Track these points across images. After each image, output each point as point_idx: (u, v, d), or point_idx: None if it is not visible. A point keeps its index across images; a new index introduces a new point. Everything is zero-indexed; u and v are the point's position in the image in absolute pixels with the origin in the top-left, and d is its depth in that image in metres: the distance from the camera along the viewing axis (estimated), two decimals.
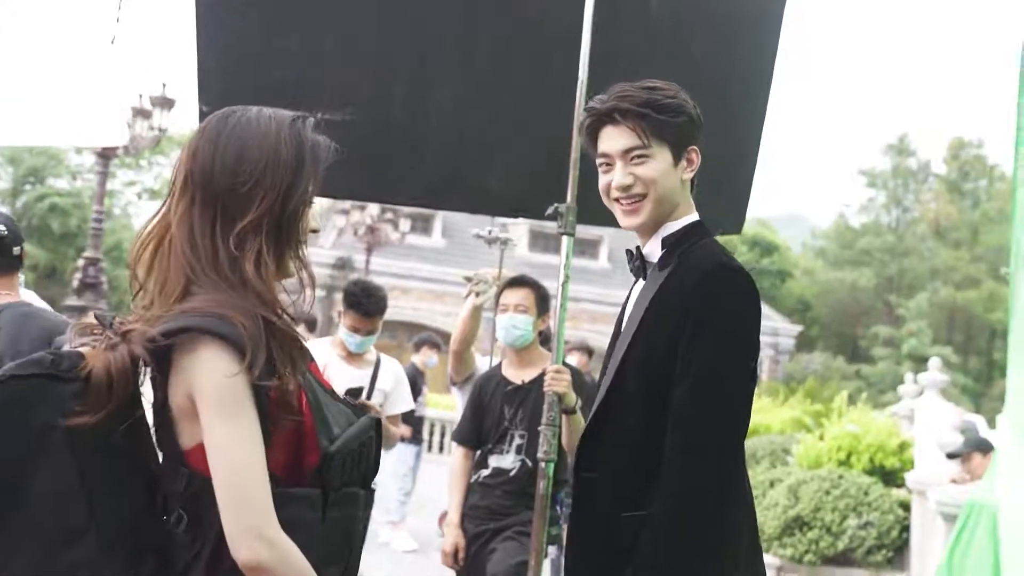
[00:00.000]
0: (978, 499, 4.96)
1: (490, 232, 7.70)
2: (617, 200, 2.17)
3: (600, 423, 2.16)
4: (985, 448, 6.02)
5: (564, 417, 2.99)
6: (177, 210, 1.59)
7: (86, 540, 1.46)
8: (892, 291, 42.07)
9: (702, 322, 2.00)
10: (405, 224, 20.81)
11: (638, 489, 2.04)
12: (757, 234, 39.44)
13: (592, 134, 2.20)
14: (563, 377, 2.90)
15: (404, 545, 8.68)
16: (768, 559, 7.18)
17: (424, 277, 27.81)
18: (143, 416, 1.57)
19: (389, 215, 19.66)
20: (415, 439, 9.18)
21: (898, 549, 7.27)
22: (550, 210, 2.88)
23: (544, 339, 4.18)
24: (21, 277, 3.15)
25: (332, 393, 1.70)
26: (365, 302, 4.20)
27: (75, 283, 12.04)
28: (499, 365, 4.18)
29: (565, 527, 3.34)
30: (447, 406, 15.55)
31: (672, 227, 2.17)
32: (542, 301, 4.00)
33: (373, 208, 18.89)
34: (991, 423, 8.94)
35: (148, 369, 1.54)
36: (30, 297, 3.10)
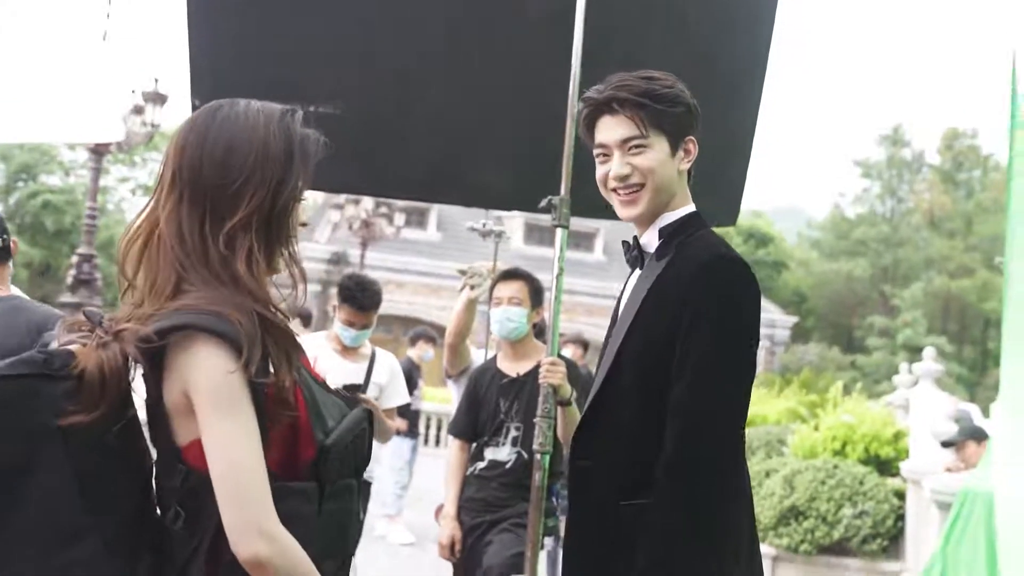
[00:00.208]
0: (972, 487, 4.98)
1: (484, 225, 7.66)
2: (615, 190, 2.16)
3: (596, 413, 2.16)
4: (979, 436, 6.04)
5: (559, 409, 2.99)
6: (165, 206, 1.58)
7: (84, 539, 1.46)
8: (887, 281, 42.14)
9: (700, 313, 2.00)
10: (400, 218, 20.79)
11: (635, 479, 2.04)
12: (752, 226, 39.46)
13: (589, 124, 2.20)
14: (558, 369, 2.90)
15: (401, 538, 8.69)
16: (764, 549, 7.20)
17: (419, 271, 27.79)
18: (135, 415, 1.57)
19: (384, 209, 19.65)
20: (411, 433, 9.19)
21: (893, 538, 7.29)
22: (544, 203, 2.88)
23: (539, 331, 4.18)
24: (11, 268, 3.14)
25: (324, 385, 1.70)
26: (360, 296, 4.20)
27: (69, 280, 12.01)
28: (494, 358, 4.18)
29: (561, 519, 3.35)
30: (443, 399, 15.54)
31: (669, 217, 2.17)
32: (536, 293, 4.00)
33: (368, 202, 18.87)
34: (985, 412, 8.97)
35: (139, 367, 1.53)
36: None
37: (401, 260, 27.24)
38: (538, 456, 2.84)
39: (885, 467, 7.99)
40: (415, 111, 3.62)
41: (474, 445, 4.01)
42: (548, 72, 3.08)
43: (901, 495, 7.37)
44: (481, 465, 3.94)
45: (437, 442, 15.69)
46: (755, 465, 8.35)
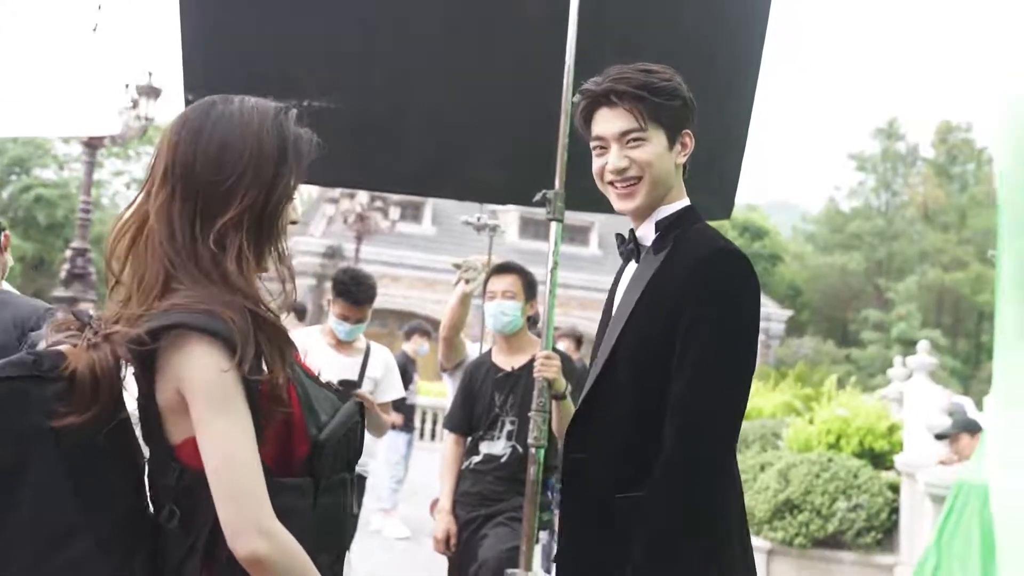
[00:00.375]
0: (966, 480, 5.00)
1: (479, 219, 7.64)
2: (612, 183, 2.15)
3: (590, 407, 2.15)
4: (973, 429, 6.05)
5: (554, 403, 2.99)
6: (156, 202, 1.57)
7: (79, 539, 1.46)
8: (881, 275, 42.23)
9: (700, 309, 1.99)
10: (395, 212, 20.75)
11: (629, 472, 2.04)
12: (747, 219, 39.50)
13: (586, 116, 2.19)
14: (553, 363, 2.90)
15: (396, 532, 8.70)
16: (758, 542, 7.22)
17: (414, 265, 27.78)
18: (127, 415, 1.56)
19: (379, 203, 19.61)
20: (407, 427, 9.19)
21: (887, 531, 7.31)
22: (538, 196, 2.88)
23: (533, 324, 4.18)
24: (10, 261, 3.16)
25: (315, 379, 1.70)
26: (354, 290, 4.20)
27: (63, 274, 12.00)
28: (489, 352, 4.18)
29: (556, 512, 3.35)
30: (438, 393, 15.55)
31: (666, 211, 2.16)
32: (529, 286, 4.00)
33: (363, 196, 18.84)
34: (979, 405, 8.99)
35: (130, 366, 1.53)
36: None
37: (396, 254, 27.23)
38: (533, 450, 2.84)
39: (879, 460, 8.01)
40: (410, 105, 3.61)
41: (469, 439, 4.01)
42: (543, 66, 3.08)
43: (895, 488, 7.39)
44: (476, 459, 3.94)
45: (432, 436, 15.71)
46: (750, 459, 8.36)
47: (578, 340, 8.32)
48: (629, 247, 2.22)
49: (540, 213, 2.94)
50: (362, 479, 4.57)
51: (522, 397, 3.79)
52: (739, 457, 2.22)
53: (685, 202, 2.19)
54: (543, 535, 3.67)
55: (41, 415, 1.45)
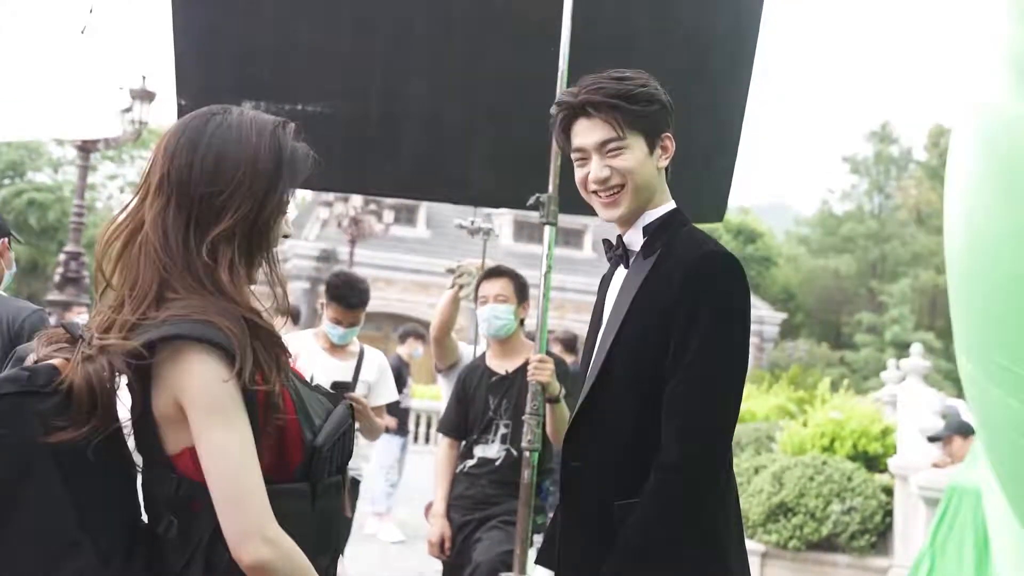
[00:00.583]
0: (959, 483, 5.01)
1: (473, 223, 7.64)
2: (595, 193, 2.16)
3: (589, 413, 2.15)
4: (966, 431, 6.07)
5: (548, 406, 3.00)
6: (152, 209, 1.57)
7: (80, 552, 1.46)
8: (874, 277, 42.32)
9: (691, 310, 2.00)
10: (389, 215, 20.74)
11: (629, 478, 2.04)
12: (741, 222, 39.56)
13: (565, 128, 2.19)
14: (546, 366, 2.91)
15: (390, 536, 8.68)
16: (753, 545, 7.23)
17: (409, 268, 27.77)
18: (120, 426, 1.56)
19: (373, 206, 19.60)
20: (401, 430, 9.18)
21: (881, 534, 7.32)
22: (532, 200, 2.88)
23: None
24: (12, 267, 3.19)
25: (306, 383, 1.71)
26: (347, 294, 4.19)
27: (56, 278, 11.97)
28: (483, 356, 4.18)
29: (551, 516, 3.35)
30: (432, 396, 15.55)
31: (652, 215, 2.17)
32: (521, 289, 4.01)
33: (357, 199, 18.84)
34: None
35: (124, 377, 1.52)
36: None
37: (390, 257, 27.22)
38: (527, 453, 2.85)
39: (873, 463, 8.03)
40: (403, 109, 3.61)
41: (463, 443, 4.01)
42: (535, 70, 3.08)
43: (889, 491, 7.40)
44: (471, 463, 3.94)
45: (427, 440, 15.69)
46: (744, 462, 8.37)
47: (572, 343, 8.30)
48: (617, 252, 2.23)
49: (534, 216, 2.94)
50: (356, 483, 4.56)
51: (516, 401, 3.79)
52: (733, 460, 2.22)
53: (671, 205, 2.20)
54: (537, 538, 3.66)
55: (39, 430, 1.45)
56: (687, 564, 1.98)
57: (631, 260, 2.19)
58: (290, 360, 1.66)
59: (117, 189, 35.14)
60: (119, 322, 1.52)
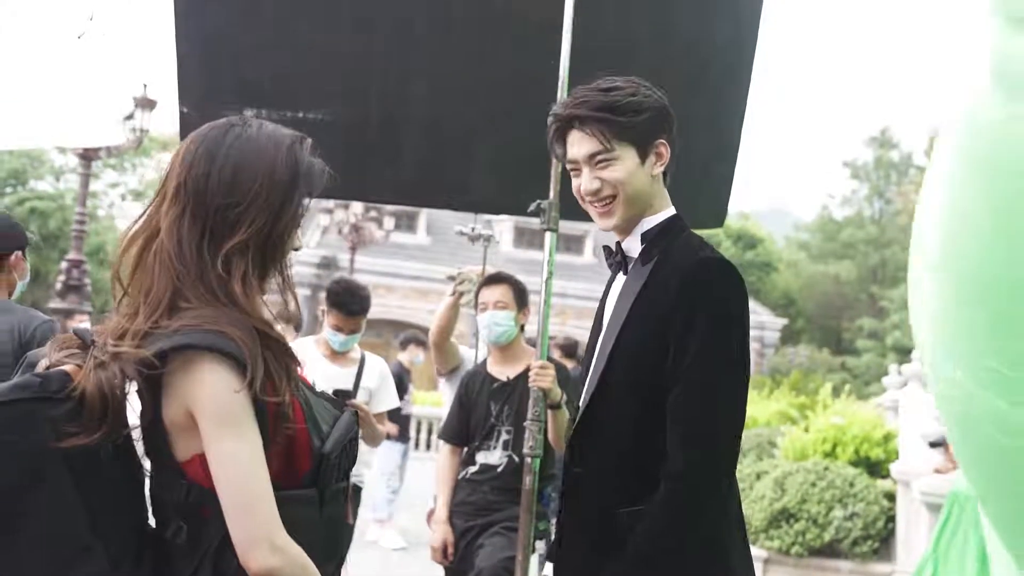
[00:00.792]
0: (961, 489, 5.01)
1: (473, 229, 7.65)
2: (590, 203, 2.18)
3: (589, 421, 2.16)
4: None
5: (549, 412, 2.99)
6: (168, 218, 1.58)
7: (91, 557, 1.47)
8: (875, 283, 42.28)
9: (691, 317, 2.00)
10: (389, 222, 20.73)
11: (631, 485, 2.04)
12: (741, 228, 39.57)
13: (559, 139, 2.21)
14: (547, 373, 2.91)
15: (392, 543, 8.67)
16: (755, 551, 7.22)
17: (409, 275, 27.78)
18: (130, 432, 1.57)
19: (373, 213, 19.60)
20: (402, 437, 9.17)
21: (884, 540, 7.31)
22: (532, 206, 2.89)
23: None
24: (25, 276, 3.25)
25: (313, 390, 1.72)
26: (348, 301, 4.20)
27: (59, 286, 11.97)
28: (484, 362, 4.18)
29: (553, 522, 3.35)
30: (434, 403, 15.55)
31: (650, 222, 2.17)
32: (521, 295, 4.01)
33: (357, 206, 18.84)
34: None
35: (134, 384, 1.53)
36: None
37: (391, 264, 27.23)
38: (529, 460, 2.85)
39: (875, 469, 8.02)
40: (404, 116, 3.62)
41: (465, 449, 4.01)
42: (536, 76, 3.09)
43: (891, 496, 7.39)
44: (472, 469, 3.94)
45: (428, 446, 15.68)
46: (746, 467, 8.36)
47: (573, 350, 8.30)
48: (617, 259, 2.23)
49: (534, 223, 2.95)
50: (358, 489, 4.56)
51: (518, 407, 3.80)
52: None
53: (670, 211, 2.20)
54: (539, 545, 3.66)
55: (50, 436, 1.46)
56: (690, 569, 1.98)
57: (630, 267, 2.20)
58: (299, 368, 1.67)
59: (119, 197, 35.16)
60: (132, 330, 1.53)
